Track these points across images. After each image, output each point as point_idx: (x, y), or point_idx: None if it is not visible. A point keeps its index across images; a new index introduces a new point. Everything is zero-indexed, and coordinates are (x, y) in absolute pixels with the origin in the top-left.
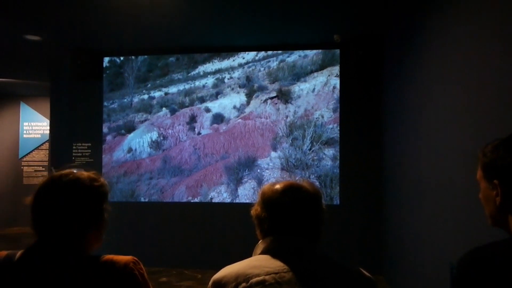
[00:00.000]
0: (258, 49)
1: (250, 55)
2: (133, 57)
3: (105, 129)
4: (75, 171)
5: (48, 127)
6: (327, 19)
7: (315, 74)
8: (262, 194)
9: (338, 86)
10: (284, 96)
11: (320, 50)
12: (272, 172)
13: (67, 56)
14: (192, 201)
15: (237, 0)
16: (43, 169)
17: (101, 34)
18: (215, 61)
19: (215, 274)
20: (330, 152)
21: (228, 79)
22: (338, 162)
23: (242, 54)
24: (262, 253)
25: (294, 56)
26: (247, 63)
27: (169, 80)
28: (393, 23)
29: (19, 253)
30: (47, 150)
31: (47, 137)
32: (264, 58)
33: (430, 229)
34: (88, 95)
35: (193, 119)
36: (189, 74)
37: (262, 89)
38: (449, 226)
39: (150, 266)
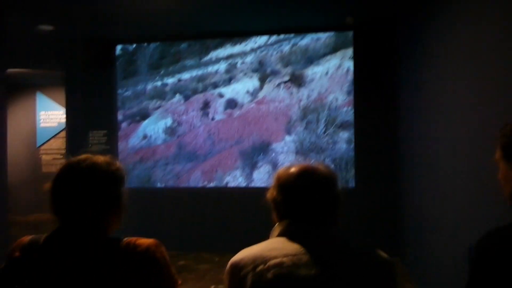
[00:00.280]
0: (270, 33)
1: (262, 39)
2: (145, 44)
3: (120, 117)
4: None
5: (64, 116)
6: (339, 0)
7: (328, 57)
8: (277, 177)
9: (352, 68)
10: (297, 80)
11: (333, 33)
12: (286, 156)
13: (80, 45)
14: (207, 186)
15: None
16: (61, 157)
17: (113, 22)
18: (227, 46)
19: (233, 257)
20: (344, 135)
21: (240, 64)
22: (353, 145)
23: (254, 39)
24: (279, 236)
25: (307, 39)
26: (259, 47)
27: (182, 67)
28: (407, 3)
29: (43, 237)
30: (64, 139)
31: (64, 126)
32: (276, 42)
33: (447, 211)
34: (102, 83)
35: (206, 105)
36: (202, 60)
37: (275, 73)
38: (466, 208)
39: (168, 250)
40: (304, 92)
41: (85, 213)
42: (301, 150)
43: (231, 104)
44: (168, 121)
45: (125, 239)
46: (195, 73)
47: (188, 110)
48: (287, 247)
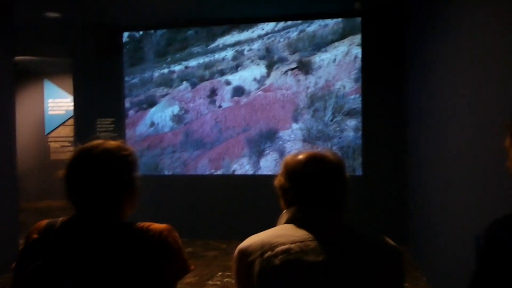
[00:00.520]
0: (277, 19)
1: (269, 26)
2: (152, 31)
3: (127, 104)
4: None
5: (72, 104)
6: None
7: (336, 43)
8: (285, 164)
9: (360, 55)
10: (305, 67)
11: (340, 19)
12: (293, 144)
13: (87, 33)
14: (215, 173)
15: None
16: (69, 144)
17: (119, 9)
18: (234, 33)
19: (241, 243)
20: (352, 123)
21: (247, 51)
22: (360, 132)
23: (261, 25)
24: (287, 222)
25: (314, 26)
26: (266, 34)
27: (189, 54)
28: None
29: (59, 221)
30: (72, 126)
31: (72, 113)
32: (283, 28)
33: (454, 199)
34: (109, 70)
35: (213, 92)
36: (208, 47)
37: (282, 60)
38: (474, 196)
39: None
40: (311, 79)
41: (100, 199)
42: (308, 138)
43: (238, 91)
44: (175, 109)
45: (138, 224)
46: (202, 60)
47: (195, 97)
48: (294, 233)
